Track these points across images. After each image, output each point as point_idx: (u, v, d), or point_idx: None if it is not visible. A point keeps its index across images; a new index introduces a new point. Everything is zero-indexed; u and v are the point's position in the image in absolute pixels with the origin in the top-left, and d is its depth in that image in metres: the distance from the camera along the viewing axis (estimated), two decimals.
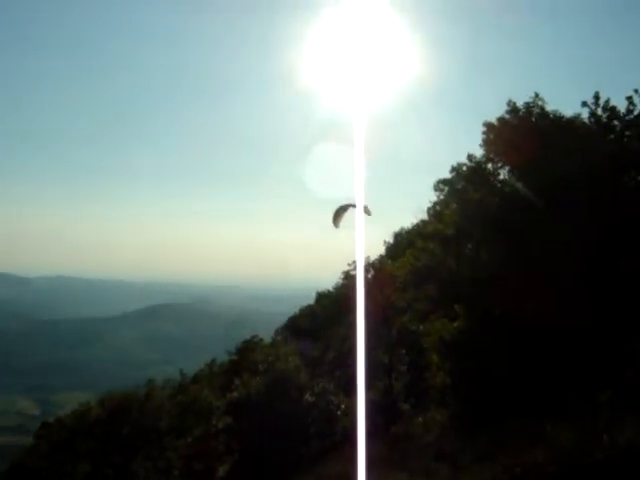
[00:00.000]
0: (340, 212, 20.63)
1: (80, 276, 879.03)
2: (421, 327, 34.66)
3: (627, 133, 31.98)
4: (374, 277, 33.85)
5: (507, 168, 33.02)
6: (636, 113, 31.60)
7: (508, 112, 32.83)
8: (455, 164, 33.88)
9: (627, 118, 31.76)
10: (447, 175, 34.55)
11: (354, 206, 20.39)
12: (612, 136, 32.06)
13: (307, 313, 70.32)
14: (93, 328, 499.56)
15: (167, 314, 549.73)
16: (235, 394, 34.79)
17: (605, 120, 32.11)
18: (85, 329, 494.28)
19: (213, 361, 61.88)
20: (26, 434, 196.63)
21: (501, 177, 33.10)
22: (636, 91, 31.48)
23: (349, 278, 36.95)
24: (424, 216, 45.09)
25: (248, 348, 52.55)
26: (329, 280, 69.52)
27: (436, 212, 35.46)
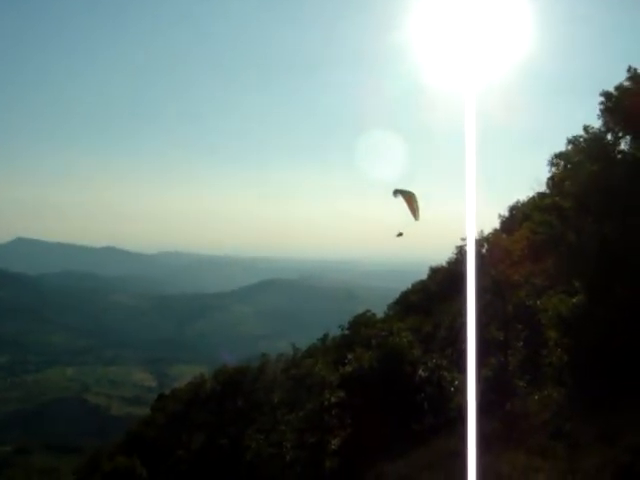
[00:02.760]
0: (410, 201, 20.31)
1: (193, 252, 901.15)
2: (538, 302, 33.84)
3: None
4: (488, 251, 33.16)
5: (629, 137, 31.71)
6: None
7: (628, 79, 31.51)
8: (571, 136, 32.86)
9: None
10: (563, 148, 33.58)
11: (403, 192, 20.16)
12: None
13: (419, 288, 69.79)
14: (206, 303, 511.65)
15: (277, 289, 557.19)
16: (348, 368, 34.85)
17: None
18: (198, 304, 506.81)
19: (326, 335, 62.14)
20: (142, 405, 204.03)
21: (622, 147, 31.82)
22: None
23: (462, 253, 36.30)
24: (542, 189, 44.02)
25: (360, 323, 52.48)
26: (442, 255, 68.90)
27: (555, 184, 34.46)
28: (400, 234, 28.32)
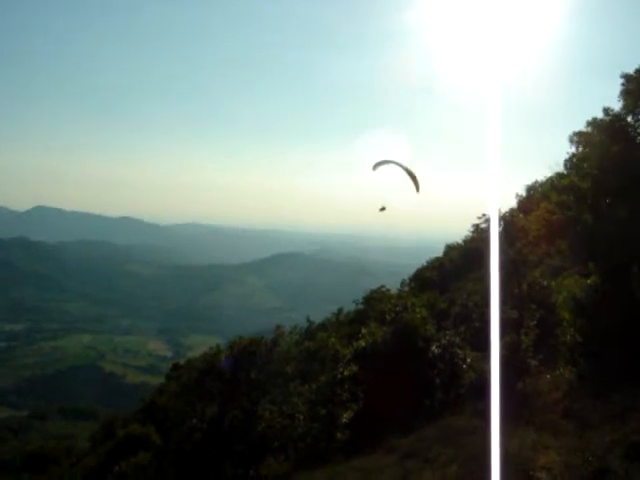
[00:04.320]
0: (411, 173, 20.74)
1: (209, 224, 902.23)
2: (553, 283, 33.92)
3: None
4: (505, 230, 33.21)
5: None
6: None
7: None
8: (591, 118, 32.77)
9: None
10: (582, 128, 33.50)
11: (400, 164, 20.56)
12: None
13: (435, 265, 69.93)
14: (221, 274, 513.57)
15: (292, 262, 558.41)
16: (361, 343, 35.05)
17: None
18: (213, 275, 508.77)
19: (340, 310, 62.47)
20: (157, 374, 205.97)
21: None
22: None
23: (479, 231, 36.33)
24: (560, 169, 43.96)
25: (375, 298, 52.68)
26: (456, 233, 69.05)
27: (573, 165, 34.40)
28: (383, 208, 28.59)
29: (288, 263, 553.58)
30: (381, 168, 30.11)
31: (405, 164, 30.21)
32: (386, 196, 30.06)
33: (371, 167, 30.28)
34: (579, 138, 33.15)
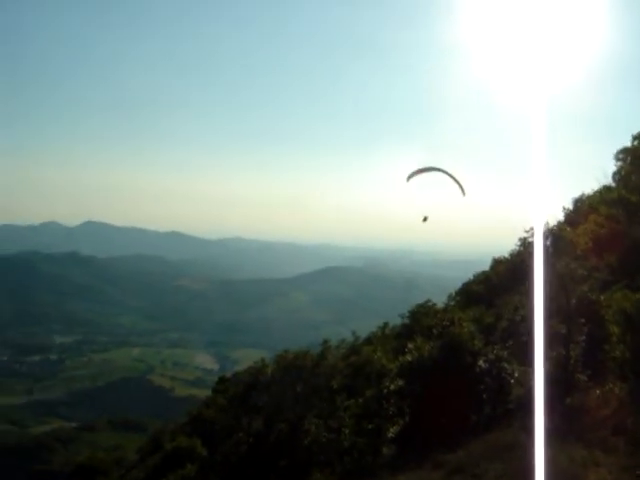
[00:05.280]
0: (452, 178, 20.76)
1: (257, 238, 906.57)
2: (601, 297, 33.44)
3: None
4: (552, 244, 32.83)
5: None
6: None
7: None
8: (636, 132, 32.42)
9: None
10: (628, 143, 33.16)
11: (442, 170, 20.57)
12: None
13: (481, 279, 69.39)
14: (268, 289, 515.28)
15: (339, 277, 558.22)
16: (408, 357, 34.89)
17: None
18: (261, 290, 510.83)
19: (385, 324, 62.42)
20: (204, 387, 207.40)
21: None
22: None
23: (526, 245, 35.95)
24: (608, 181, 43.46)
25: (421, 312, 52.53)
26: (504, 246, 68.42)
27: (621, 178, 34.01)
28: (425, 219, 28.59)
29: (336, 277, 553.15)
30: (420, 178, 30.07)
31: (446, 170, 30.15)
32: (429, 206, 30.11)
33: (406, 177, 30.27)
34: (626, 153, 32.83)
